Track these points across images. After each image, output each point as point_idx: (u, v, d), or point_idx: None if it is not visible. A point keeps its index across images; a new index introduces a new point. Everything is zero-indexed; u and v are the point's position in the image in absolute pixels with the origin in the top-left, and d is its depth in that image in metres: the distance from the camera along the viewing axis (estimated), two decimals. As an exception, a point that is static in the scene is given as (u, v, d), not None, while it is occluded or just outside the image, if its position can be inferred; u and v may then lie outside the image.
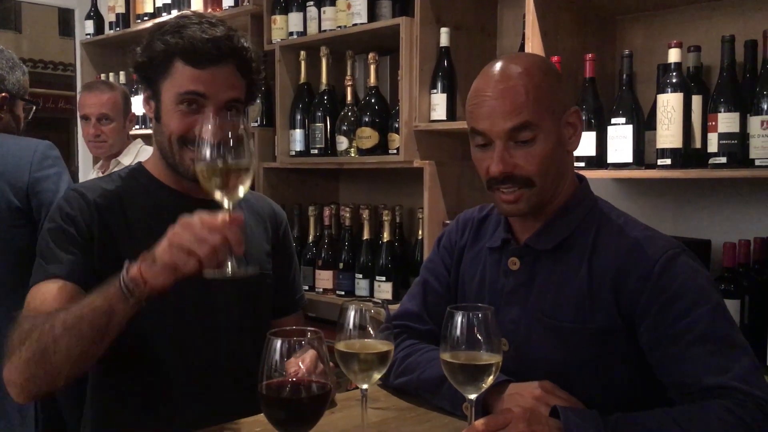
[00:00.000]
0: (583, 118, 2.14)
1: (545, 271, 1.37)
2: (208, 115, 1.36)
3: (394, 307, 1.58)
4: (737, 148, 1.91)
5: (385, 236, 2.78)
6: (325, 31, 2.89)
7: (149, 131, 3.77)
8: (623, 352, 1.31)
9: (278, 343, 0.98)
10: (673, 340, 1.23)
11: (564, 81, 1.40)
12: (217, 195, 1.23)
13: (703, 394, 1.18)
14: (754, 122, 1.86)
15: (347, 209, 2.96)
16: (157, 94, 1.49)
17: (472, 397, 1.14)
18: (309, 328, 1.04)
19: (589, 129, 2.17)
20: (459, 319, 1.12)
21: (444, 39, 2.57)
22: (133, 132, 3.33)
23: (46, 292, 1.39)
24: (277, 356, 0.97)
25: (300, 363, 1.03)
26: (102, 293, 1.27)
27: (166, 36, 1.46)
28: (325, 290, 2.94)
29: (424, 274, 1.61)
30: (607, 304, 1.30)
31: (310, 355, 1.04)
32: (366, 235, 2.84)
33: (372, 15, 2.73)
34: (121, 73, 4.03)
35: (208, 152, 1.21)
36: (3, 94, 2.17)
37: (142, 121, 3.90)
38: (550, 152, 1.31)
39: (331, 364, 1.10)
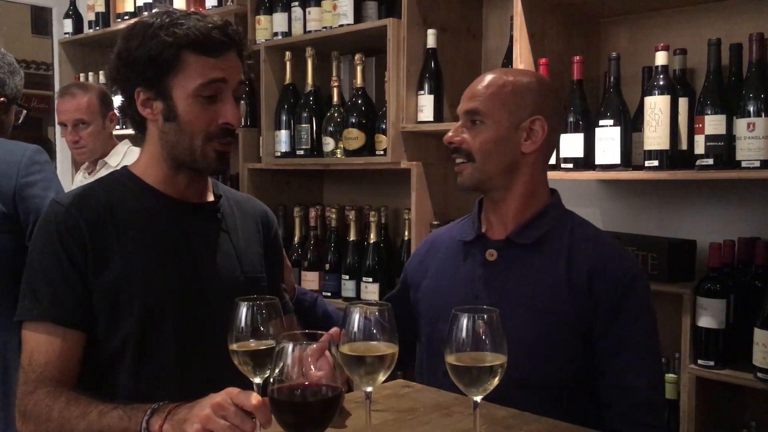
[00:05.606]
0: (570, 120, 2.18)
1: (523, 261, 1.58)
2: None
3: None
4: (724, 149, 1.94)
5: (372, 237, 2.78)
6: (310, 31, 2.88)
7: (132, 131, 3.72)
8: (589, 336, 1.53)
9: (289, 347, 0.97)
10: (615, 342, 1.50)
11: (551, 98, 1.62)
12: (251, 375, 1.21)
13: (614, 391, 1.49)
14: (741, 124, 1.89)
15: (333, 210, 2.96)
16: (164, 92, 1.44)
17: (477, 399, 1.15)
18: (320, 332, 1.03)
19: (576, 131, 2.19)
20: (464, 321, 1.12)
21: (431, 40, 2.57)
22: (116, 132, 3.28)
23: (39, 342, 1.39)
24: (289, 360, 0.97)
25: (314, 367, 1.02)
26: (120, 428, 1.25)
27: (171, 29, 1.41)
28: (311, 291, 2.92)
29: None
30: (582, 293, 1.52)
31: (326, 361, 1.03)
32: (352, 236, 2.84)
33: (358, 16, 2.73)
34: (101, 72, 3.97)
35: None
36: (1, 99, 2.11)
37: (125, 122, 3.84)
38: (492, 138, 1.56)
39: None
